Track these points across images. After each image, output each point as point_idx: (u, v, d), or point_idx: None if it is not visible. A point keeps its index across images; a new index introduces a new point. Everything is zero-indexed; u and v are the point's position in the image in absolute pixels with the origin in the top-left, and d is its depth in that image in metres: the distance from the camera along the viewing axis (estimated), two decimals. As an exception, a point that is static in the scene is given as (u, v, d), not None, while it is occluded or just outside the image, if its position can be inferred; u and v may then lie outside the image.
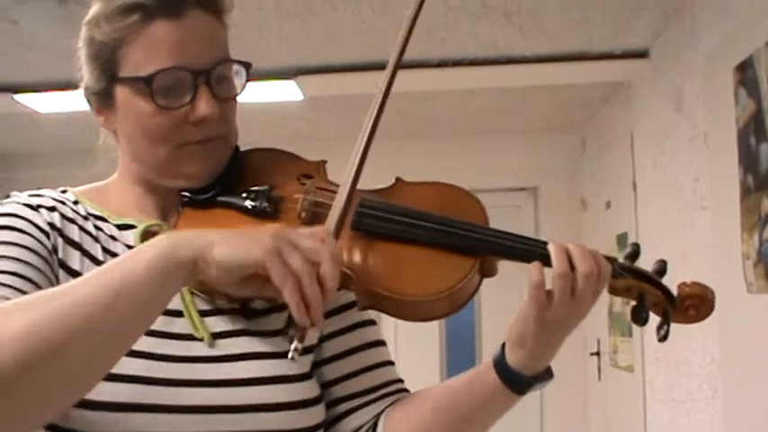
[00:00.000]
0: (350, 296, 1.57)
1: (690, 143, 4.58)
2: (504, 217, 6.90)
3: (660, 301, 1.47)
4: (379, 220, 1.47)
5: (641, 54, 5.35)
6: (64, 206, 1.51)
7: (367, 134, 1.50)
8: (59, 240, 1.45)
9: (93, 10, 1.50)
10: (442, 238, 1.44)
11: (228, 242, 1.24)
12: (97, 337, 1.15)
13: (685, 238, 4.55)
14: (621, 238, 6.16)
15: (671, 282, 1.49)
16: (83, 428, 1.33)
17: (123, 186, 1.58)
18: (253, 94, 5.87)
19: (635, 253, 1.49)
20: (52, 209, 1.49)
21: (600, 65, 5.48)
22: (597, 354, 7.14)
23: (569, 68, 5.51)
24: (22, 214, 1.45)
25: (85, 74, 1.54)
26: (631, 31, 4.99)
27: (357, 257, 1.44)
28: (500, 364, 1.46)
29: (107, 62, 1.48)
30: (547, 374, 1.50)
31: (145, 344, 1.40)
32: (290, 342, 1.28)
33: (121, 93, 1.49)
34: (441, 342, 8.12)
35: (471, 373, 1.51)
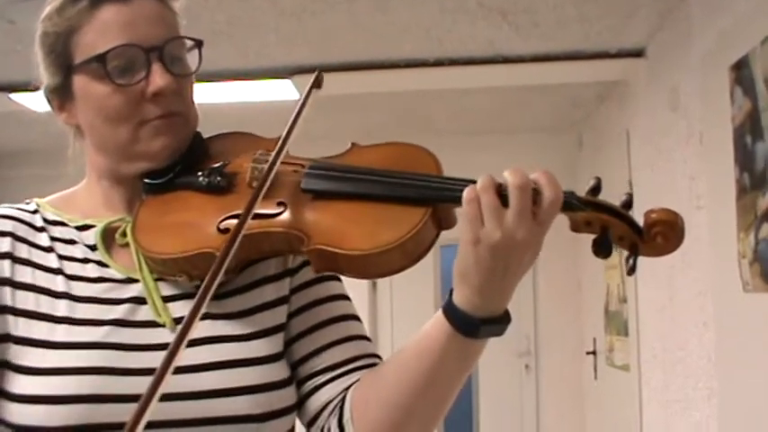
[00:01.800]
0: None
1: (686, 142, 4.58)
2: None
3: (626, 233, 1.39)
4: (324, 179, 1.47)
5: (637, 53, 5.36)
6: (13, 222, 1.54)
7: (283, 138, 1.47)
8: (5, 263, 1.49)
9: (46, 10, 1.53)
10: (387, 189, 1.42)
11: None
12: None
13: (681, 237, 4.54)
14: (618, 238, 6.15)
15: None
16: (42, 424, 1.35)
17: (90, 186, 1.61)
18: (248, 93, 5.88)
19: (596, 187, 1.41)
20: (5, 234, 1.52)
21: (596, 64, 5.49)
22: (593, 353, 7.15)
23: (565, 68, 5.52)
24: None
25: (43, 74, 1.57)
26: (627, 31, 5.00)
27: (306, 219, 1.44)
28: (448, 307, 1.38)
29: (61, 54, 1.51)
30: (502, 320, 1.39)
31: (103, 334, 1.42)
32: None
33: (78, 81, 1.52)
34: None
35: (426, 325, 1.44)
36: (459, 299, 1.37)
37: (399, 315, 7.90)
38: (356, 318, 1.64)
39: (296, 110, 1.49)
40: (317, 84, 1.55)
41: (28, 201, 1.61)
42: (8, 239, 1.51)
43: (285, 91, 5.76)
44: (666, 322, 4.90)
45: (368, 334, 1.64)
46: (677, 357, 4.73)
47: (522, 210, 1.30)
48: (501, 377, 8.32)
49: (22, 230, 1.53)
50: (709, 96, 4.17)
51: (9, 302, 1.45)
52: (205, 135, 1.61)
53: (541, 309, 7.97)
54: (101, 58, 1.46)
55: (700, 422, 4.41)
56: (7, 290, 1.46)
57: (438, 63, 5.38)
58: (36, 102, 5.76)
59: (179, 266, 1.47)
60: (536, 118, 7.37)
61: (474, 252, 1.32)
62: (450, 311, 1.38)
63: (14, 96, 5.65)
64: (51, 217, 1.57)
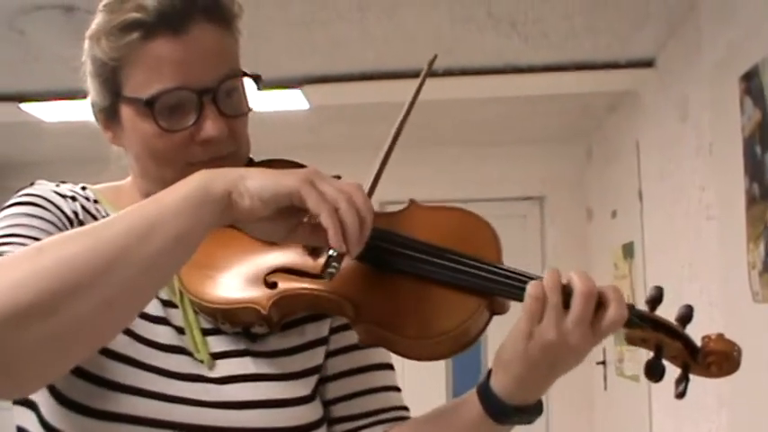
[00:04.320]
0: None
1: (695, 152, 4.58)
2: (510, 227, 6.90)
3: (680, 354, 1.37)
4: (381, 252, 1.41)
5: (647, 63, 5.35)
6: (88, 203, 1.51)
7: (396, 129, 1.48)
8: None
9: (96, 22, 1.45)
10: (447, 275, 1.38)
11: (262, 175, 1.23)
12: (133, 268, 1.12)
13: (691, 247, 4.55)
14: (627, 248, 6.15)
15: (692, 330, 1.39)
16: None
17: (135, 194, 1.55)
18: (259, 103, 5.88)
19: (657, 298, 1.40)
20: (74, 198, 1.49)
21: (606, 74, 5.48)
22: (603, 363, 7.13)
23: (575, 78, 5.52)
24: (52, 199, 1.45)
25: (90, 89, 1.51)
26: (637, 41, 4.99)
27: (358, 289, 1.40)
28: (483, 389, 1.38)
29: (109, 81, 1.45)
30: (534, 410, 1.39)
31: (148, 357, 1.40)
32: (326, 266, 1.26)
33: (126, 112, 1.45)
34: (447, 366, 8.10)
35: (459, 398, 1.44)
36: (496, 384, 1.37)
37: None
38: (390, 367, 1.62)
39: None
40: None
41: (84, 186, 1.57)
42: (78, 205, 1.48)
43: (295, 101, 5.77)
44: (676, 333, 4.88)
45: (398, 383, 1.64)
46: (687, 368, 4.72)
47: (582, 318, 1.30)
48: (510, 387, 8.28)
49: (92, 208, 1.51)
50: (718, 107, 4.16)
51: None
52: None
53: (551, 319, 7.94)
54: (149, 102, 1.40)
55: (710, 433, 4.40)
56: None
57: (448, 73, 5.38)
58: (45, 112, 5.78)
59: (222, 315, 1.44)
60: (545, 128, 7.37)
61: (524, 345, 1.32)
62: (485, 394, 1.38)
63: (24, 106, 5.66)
64: (109, 211, 1.52)
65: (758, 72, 3.62)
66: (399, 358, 1.44)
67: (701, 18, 4.42)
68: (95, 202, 1.54)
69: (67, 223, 1.43)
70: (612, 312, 1.31)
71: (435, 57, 1.59)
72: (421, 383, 7.00)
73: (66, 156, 6.50)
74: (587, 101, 6.43)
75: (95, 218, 1.49)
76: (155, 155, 1.45)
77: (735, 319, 3.94)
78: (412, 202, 1.53)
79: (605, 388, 7.17)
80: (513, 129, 7.41)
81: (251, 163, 1.55)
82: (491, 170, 7.63)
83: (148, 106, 1.40)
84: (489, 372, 1.39)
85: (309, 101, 5.77)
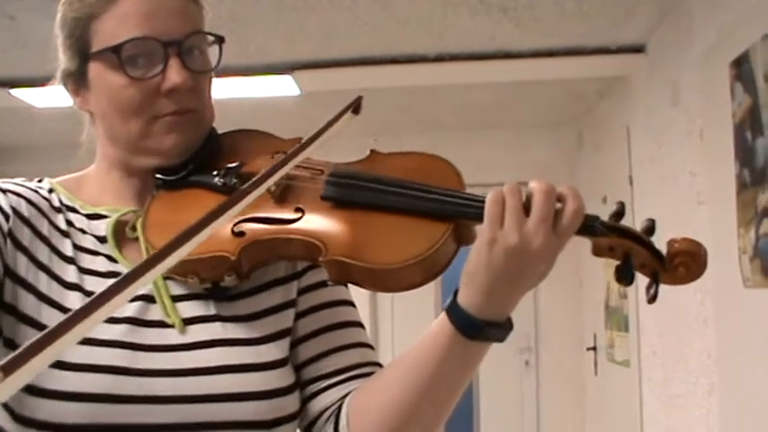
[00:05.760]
0: (324, 275, 1.57)
1: (686, 138, 4.58)
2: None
3: (648, 261, 1.38)
4: (345, 187, 1.44)
5: (638, 49, 5.36)
6: (36, 195, 1.51)
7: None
8: (25, 230, 1.45)
9: None
10: (411, 203, 1.40)
11: None
12: None
13: (682, 233, 4.52)
14: (618, 233, 6.15)
15: (660, 240, 1.41)
16: (54, 419, 1.32)
17: (101, 174, 1.57)
18: (249, 88, 5.87)
19: (619, 212, 1.41)
20: (19, 195, 1.48)
21: (596, 59, 5.49)
22: (594, 348, 7.15)
23: (566, 63, 5.52)
24: None
25: (61, 57, 1.55)
26: (628, 26, 4.99)
27: (325, 228, 1.41)
28: (451, 306, 1.37)
29: (80, 39, 1.49)
30: (504, 326, 1.37)
31: (118, 332, 1.39)
32: None
33: (94, 69, 1.49)
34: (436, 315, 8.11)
35: (430, 327, 1.42)
36: (463, 298, 1.35)
37: (400, 320, 7.89)
38: (360, 324, 1.61)
39: (326, 122, 1.46)
40: (356, 109, 1.54)
41: (39, 179, 1.58)
42: (24, 204, 1.48)
43: (286, 87, 5.77)
44: (667, 318, 4.91)
45: (370, 340, 1.62)
46: (677, 353, 4.74)
47: (543, 217, 1.30)
48: (501, 373, 8.31)
49: (45, 206, 1.51)
50: (709, 92, 4.17)
51: (23, 274, 1.42)
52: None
53: (542, 304, 7.96)
54: (116, 49, 1.43)
55: (700, 417, 4.41)
56: (23, 260, 1.43)
57: (439, 58, 5.38)
58: (36, 97, 5.77)
59: (190, 268, 1.44)
60: (536, 113, 7.37)
61: (488, 252, 1.31)
62: (453, 311, 1.36)
63: (14, 92, 5.66)
64: (66, 201, 1.54)
65: (749, 58, 3.63)
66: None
67: (692, 3, 4.42)
68: (50, 191, 1.55)
69: (0, 218, 1.43)
70: (570, 205, 1.32)
71: (360, 98, 1.58)
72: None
73: (57, 141, 6.46)
74: (578, 86, 6.43)
75: (46, 215, 1.50)
76: (121, 109, 1.47)
77: (725, 304, 3.95)
78: (372, 151, 1.55)
79: (596, 373, 7.19)
80: (504, 114, 7.41)
81: (212, 134, 1.57)
82: (481, 155, 7.62)
83: (115, 53, 1.43)
84: (456, 291, 1.37)
85: (300, 87, 5.76)
